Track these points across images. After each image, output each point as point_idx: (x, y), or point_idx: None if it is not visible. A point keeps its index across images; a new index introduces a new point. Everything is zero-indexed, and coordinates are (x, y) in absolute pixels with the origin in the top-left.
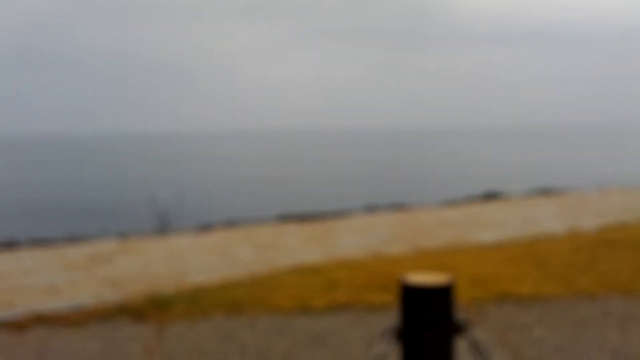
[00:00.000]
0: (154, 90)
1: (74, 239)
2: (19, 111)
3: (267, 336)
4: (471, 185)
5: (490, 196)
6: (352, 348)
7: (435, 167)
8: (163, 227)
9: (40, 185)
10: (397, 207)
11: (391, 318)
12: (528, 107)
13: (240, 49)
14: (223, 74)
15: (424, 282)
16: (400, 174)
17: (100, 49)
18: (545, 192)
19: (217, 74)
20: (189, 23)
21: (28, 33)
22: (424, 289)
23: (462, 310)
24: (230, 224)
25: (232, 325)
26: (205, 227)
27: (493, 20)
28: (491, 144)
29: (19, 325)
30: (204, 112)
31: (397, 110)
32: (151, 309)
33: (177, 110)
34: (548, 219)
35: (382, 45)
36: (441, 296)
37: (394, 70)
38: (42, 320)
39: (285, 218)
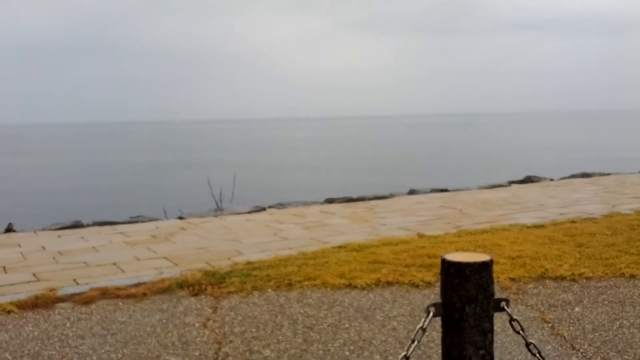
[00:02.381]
0: (213, 80)
1: (136, 219)
2: (90, 100)
3: (316, 310)
4: (512, 169)
5: (531, 179)
6: (396, 322)
7: (477, 151)
8: (219, 208)
9: (105, 168)
10: (439, 190)
11: (433, 296)
12: (571, 92)
13: (292, 39)
14: (276, 65)
15: (465, 260)
16: (442, 158)
17: (162, 40)
18: (586, 174)
19: (270, 65)
20: (242, 15)
21: (95, 24)
22: (464, 267)
23: (502, 289)
24: (281, 205)
25: (283, 299)
26: (258, 208)
27: (536, 8)
28: (533, 128)
29: (84, 300)
30: (260, 100)
31: (442, 97)
32: (208, 284)
33: (234, 99)
34: (588, 201)
35: (428, 33)
36: (481, 273)
37: (439, 58)
38: (106, 294)
39: (332, 201)
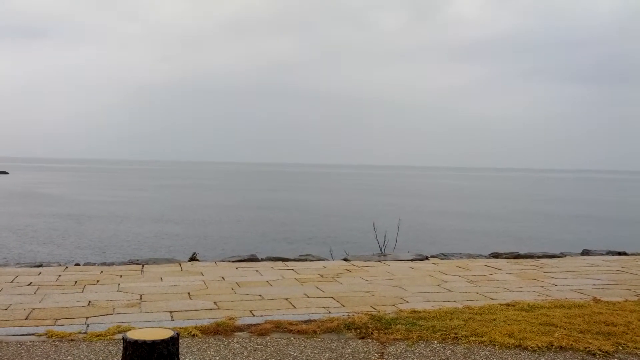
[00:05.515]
0: (378, 127)
1: (305, 256)
2: (261, 143)
3: None
4: None
5: None
6: None
7: None
8: (383, 252)
9: (278, 207)
10: (617, 252)
11: None
12: None
13: (456, 88)
14: (439, 113)
15: None
16: (621, 218)
17: (330, 88)
18: None
19: (433, 113)
20: (407, 65)
21: (269, 70)
22: None
23: None
24: (444, 255)
25: (449, 352)
26: (421, 257)
27: None
28: None
29: (260, 331)
30: (422, 148)
31: (618, 152)
32: (374, 329)
33: (397, 146)
34: None
35: (600, 84)
36: None
37: (616, 110)
38: (279, 328)
39: (498, 255)
